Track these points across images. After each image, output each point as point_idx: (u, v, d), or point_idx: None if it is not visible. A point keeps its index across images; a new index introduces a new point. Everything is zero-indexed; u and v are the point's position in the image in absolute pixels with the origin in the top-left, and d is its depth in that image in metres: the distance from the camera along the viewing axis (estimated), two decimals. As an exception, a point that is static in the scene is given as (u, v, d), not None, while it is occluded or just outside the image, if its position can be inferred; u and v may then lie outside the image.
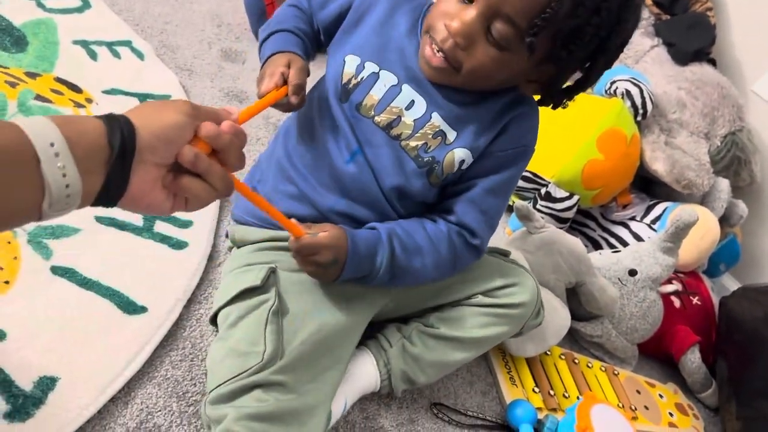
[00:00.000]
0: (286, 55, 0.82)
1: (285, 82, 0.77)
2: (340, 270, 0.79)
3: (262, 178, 0.93)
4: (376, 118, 0.84)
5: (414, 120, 0.84)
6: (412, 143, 0.84)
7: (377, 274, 0.82)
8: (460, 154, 0.85)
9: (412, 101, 0.84)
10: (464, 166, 0.86)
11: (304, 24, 0.90)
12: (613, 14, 0.72)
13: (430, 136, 0.84)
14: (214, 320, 0.87)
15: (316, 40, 0.92)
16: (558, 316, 1.18)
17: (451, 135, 0.84)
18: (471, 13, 0.74)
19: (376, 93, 0.84)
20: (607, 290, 1.27)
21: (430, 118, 0.84)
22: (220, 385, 0.73)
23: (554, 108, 0.86)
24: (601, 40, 0.74)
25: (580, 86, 0.83)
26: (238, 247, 0.92)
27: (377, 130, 0.84)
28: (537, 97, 0.86)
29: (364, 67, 0.84)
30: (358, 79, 0.84)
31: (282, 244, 0.87)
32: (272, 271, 0.84)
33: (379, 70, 0.84)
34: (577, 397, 1.16)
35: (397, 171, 0.85)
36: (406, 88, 0.84)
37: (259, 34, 0.90)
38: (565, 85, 0.83)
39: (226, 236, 0.95)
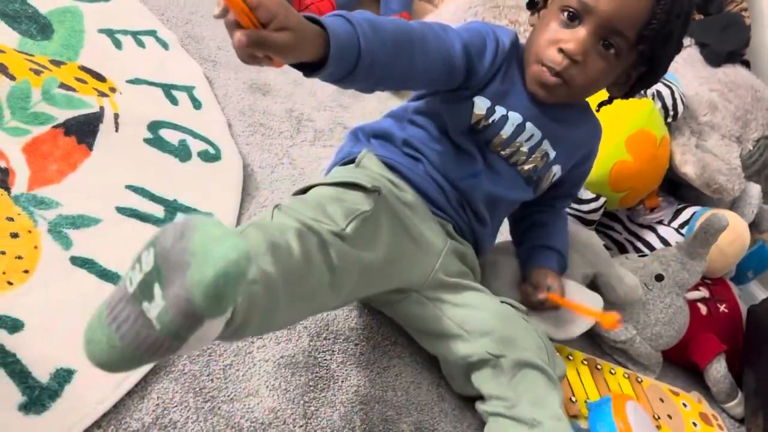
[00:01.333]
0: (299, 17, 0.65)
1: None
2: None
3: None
4: (501, 152, 0.96)
5: (529, 148, 0.96)
6: (527, 167, 0.98)
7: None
8: (555, 170, 1.02)
9: (532, 135, 0.95)
10: (556, 178, 1.04)
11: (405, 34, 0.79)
12: (688, 16, 0.87)
13: (539, 158, 0.98)
14: (298, 194, 0.87)
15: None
16: (588, 298, 1.14)
17: (552, 153, 0.99)
18: (582, 32, 0.85)
19: (505, 133, 0.94)
20: (624, 278, 1.24)
21: (541, 144, 0.96)
22: (299, 212, 0.76)
23: (626, 98, 1.01)
24: (679, 36, 0.88)
25: (659, 77, 0.95)
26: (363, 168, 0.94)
27: (500, 160, 0.96)
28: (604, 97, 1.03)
29: (495, 111, 0.92)
30: (489, 121, 0.93)
31: (393, 189, 0.91)
32: (378, 191, 0.85)
33: (507, 112, 0.93)
34: (572, 393, 1.13)
35: (511, 189, 1.00)
36: (529, 125, 0.94)
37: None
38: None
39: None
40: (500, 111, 0.93)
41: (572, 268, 1.20)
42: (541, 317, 1.09)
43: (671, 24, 0.84)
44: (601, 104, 1.04)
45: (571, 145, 1.02)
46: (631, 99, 1.52)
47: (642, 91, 1.09)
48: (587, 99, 1.01)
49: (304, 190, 0.87)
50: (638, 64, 0.91)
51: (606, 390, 1.19)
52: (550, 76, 0.88)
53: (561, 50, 0.86)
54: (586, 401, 1.13)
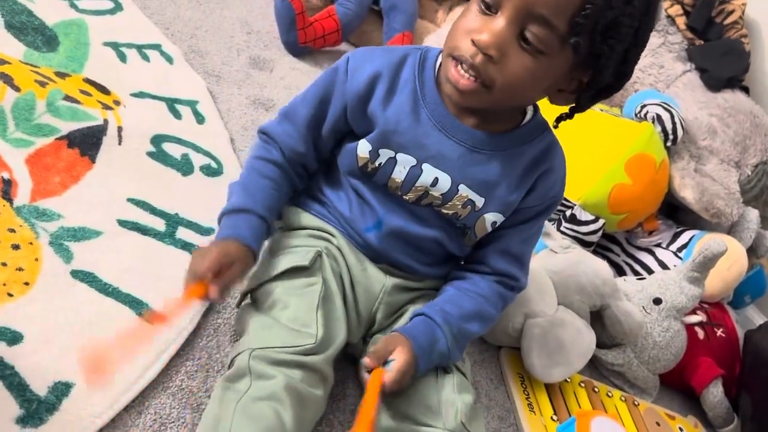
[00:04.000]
0: (231, 248, 0.78)
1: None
2: (414, 371, 0.81)
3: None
4: (404, 196, 0.85)
5: (442, 194, 0.84)
6: (444, 210, 0.85)
7: (447, 355, 0.84)
8: (491, 218, 0.86)
9: (436, 178, 0.83)
10: (496, 226, 0.87)
11: (275, 185, 0.87)
12: (648, 3, 0.70)
13: (460, 206, 0.85)
14: (245, 296, 0.88)
15: (301, 171, 0.92)
16: (583, 339, 1.15)
17: (480, 202, 0.84)
18: (499, 22, 0.69)
19: (398, 176, 0.84)
20: (632, 315, 1.24)
21: (458, 191, 0.83)
22: (271, 348, 0.74)
23: (580, 111, 0.82)
24: (635, 31, 0.70)
25: (617, 85, 0.77)
26: (287, 230, 0.93)
27: (408, 204, 0.86)
28: (564, 110, 0.83)
29: (378, 154, 0.83)
30: (375, 164, 0.84)
31: (328, 235, 0.90)
32: (319, 255, 0.85)
33: (395, 154, 0.83)
34: (569, 415, 1.13)
35: (428, 229, 0.88)
36: (426, 167, 0.82)
37: (228, 193, 0.87)
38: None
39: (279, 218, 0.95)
40: (386, 154, 0.83)
41: (580, 296, 1.21)
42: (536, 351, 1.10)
43: (615, 11, 0.66)
44: (558, 119, 0.85)
45: (507, 185, 0.83)
46: (630, 122, 1.55)
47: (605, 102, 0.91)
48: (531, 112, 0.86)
49: (250, 291, 0.87)
50: (581, 64, 0.72)
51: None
52: (461, 75, 0.73)
53: (474, 42, 0.71)
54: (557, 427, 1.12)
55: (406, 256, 0.90)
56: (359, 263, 0.90)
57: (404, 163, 0.83)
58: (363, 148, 0.84)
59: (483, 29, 0.70)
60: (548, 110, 0.87)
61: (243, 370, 0.73)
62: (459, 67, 0.73)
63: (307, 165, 0.91)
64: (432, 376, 0.86)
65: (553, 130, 0.87)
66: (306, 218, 0.92)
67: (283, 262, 0.85)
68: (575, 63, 0.72)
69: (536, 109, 0.86)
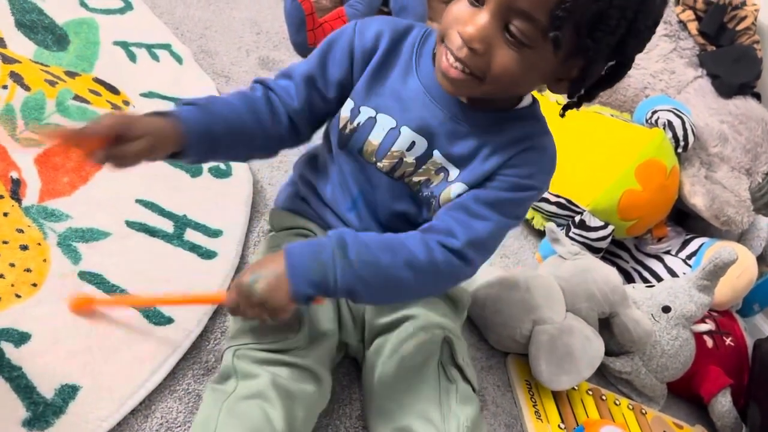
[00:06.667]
0: (148, 120, 0.71)
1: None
2: (286, 286, 0.71)
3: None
4: (378, 164, 0.83)
5: (415, 158, 0.82)
6: (415, 179, 0.83)
7: (334, 271, 0.72)
8: (456, 188, 0.81)
9: (413, 142, 0.81)
10: (456, 196, 0.81)
11: (233, 104, 0.81)
12: None
13: (433, 172, 0.82)
14: None
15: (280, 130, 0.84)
16: (591, 347, 1.14)
17: (454, 172, 0.81)
18: (483, 15, 0.67)
19: (375, 138, 0.82)
20: (641, 323, 1.24)
21: (432, 155, 0.81)
22: (252, 344, 0.74)
23: (588, 102, 0.79)
24: (628, 23, 0.67)
25: (617, 74, 0.75)
26: (275, 232, 0.95)
27: (381, 176, 0.83)
28: (563, 101, 0.80)
29: (359, 112, 0.82)
30: (354, 124, 0.82)
31: (311, 233, 0.90)
32: None
33: (376, 114, 0.81)
34: (577, 423, 1.12)
35: (402, 210, 0.85)
36: (405, 130, 0.81)
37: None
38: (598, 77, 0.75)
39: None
40: (366, 113, 0.82)
41: (589, 303, 1.20)
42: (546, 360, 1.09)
43: (601, 3, 0.64)
44: (565, 107, 0.81)
45: (482, 158, 0.80)
46: (641, 128, 1.55)
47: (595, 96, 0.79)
48: (529, 102, 0.84)
49: None
50: (575, 54, 0.70)
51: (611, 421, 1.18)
52: (451, 65, 0.71)
53: (459, 34, 0.70)
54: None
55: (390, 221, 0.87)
56: None
57: (384, 124, 0.81)
58: (346, 106, 0.83)
59: (469, 21, 0.68)
60: (550, 108, 0.85)
61: (228, 370, 0.73)
62: (449, 56, 0.72)
63: (297, 125, 0.85)
64: (434, 387, 0.83)
65: (551, 127, 0.84)
66: (289, 219, 0.93)
67: None
68: (568, 53, 0.69)
69: (534, 100, 0.84)
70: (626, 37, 0.68)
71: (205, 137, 0.75)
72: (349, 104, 0.82)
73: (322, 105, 0.85)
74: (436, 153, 0.81)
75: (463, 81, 0.72)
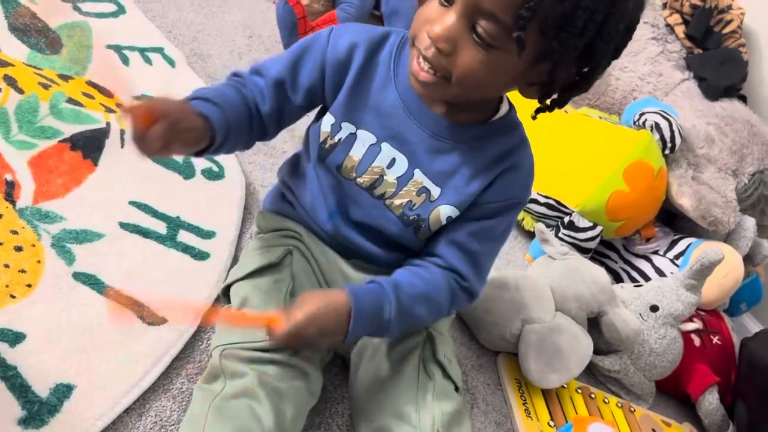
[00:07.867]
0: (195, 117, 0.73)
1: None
2: (344, 332, 0.75)
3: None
4: (358, 179, 0.83)
5: (396, 178, 0.82)
6: (397, 201, 0.83)
7: (387, 326, 0.78)
8: (446, 211, 0.82)
9: (393, 159, 0.81)
10: (451, 220, 0.83)
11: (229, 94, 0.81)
12: None
13: (414, 194, 0.82)
14: (225, 293, 0.90)
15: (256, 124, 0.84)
16: (580, 345, 1.16)
17: (435, 191, 0.82)
18: (451, 15, 0.67)
19: (356, 154, 0.82)
20: (629, 322, 1.25)
21: (413, 175, 0.81)
22: (238, 343, 0.75)
23: (559, 107, 0.77)
24: (597, 25, 0.65)
25: (587, 79, 0.73)
26: (263, 233, 0.96)
27: (360, 191, 0.83)
28: (536, 105, 0.78)
29: (340, 128, 0.82)
30: (335, 140, 0.82)
31: (297, 234, 0.91)
32: (289, 252, 0.87)
33: (356, 130, 0.82)
34: (566, 421, 1.14)
35: (383, 228, 0.85)
36: (385, 146, 0.81)
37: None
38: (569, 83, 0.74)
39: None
40: (347, 129, 0.82)
41: (578, 303, 1.22)
42: (535, 359, 1.11)
43: (567, 4, 0.63)
44: (538, 110, 0.78)
45: (465, 177, 0.81)
46: (629, 129, 1.56)
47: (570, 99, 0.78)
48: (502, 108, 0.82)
49: (227, 288, 0.90)
50: (543, 58, 0.69)
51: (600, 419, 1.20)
52: (420, 67, 0.71)
53: (427, 33, 0.69)
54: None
55: (363, 245, 0.88)
56: (327, 258, 0.91)
57: (364, 140, 0.81)
58: (326, 120, 0.82)
59: (437, 21, 0.68)
60: (527, 105, 0.83)
61: (216, 369, 0.75)
62: (420, 58, 0.71)
63: (266, 125, 0.85)
64: (412, 385, 0.83)
65: (525, 133, 0.84)
66: (276, 221, 0.94)
67: (253, 262, 0.87)
68: (535, 56, 0.68)
69: (511, 107, 0.84)
70: (595, 40, 0.67)
71: (222, 135, 0.76)
72: (329, 119, 0.82)
73: (291, 109, 0.85)
74: (417, 172, 0.81)
75: (431, 84, 0.71)
